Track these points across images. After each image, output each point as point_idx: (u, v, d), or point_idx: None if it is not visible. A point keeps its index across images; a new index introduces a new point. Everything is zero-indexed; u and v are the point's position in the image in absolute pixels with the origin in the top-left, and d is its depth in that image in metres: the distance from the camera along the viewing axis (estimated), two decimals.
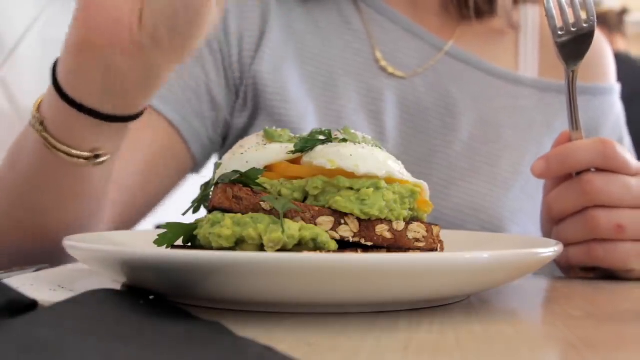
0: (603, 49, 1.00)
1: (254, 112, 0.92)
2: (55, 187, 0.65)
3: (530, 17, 1.00)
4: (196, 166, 0.94)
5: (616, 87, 1.00)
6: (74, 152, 0.62)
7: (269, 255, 0.41)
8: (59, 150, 0.62)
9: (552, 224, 0.70)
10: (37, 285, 0.52)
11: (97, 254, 0.48)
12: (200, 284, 0.44)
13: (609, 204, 0.65)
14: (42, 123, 0.62)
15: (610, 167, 0.66)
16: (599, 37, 1.01)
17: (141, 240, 0.60)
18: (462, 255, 0.44)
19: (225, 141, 0.95)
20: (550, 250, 0.50)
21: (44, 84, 1.02)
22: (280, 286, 0.43)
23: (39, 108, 0.63)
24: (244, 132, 0.92)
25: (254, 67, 0.91)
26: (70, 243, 0.50)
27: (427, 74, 0.94)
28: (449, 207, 0.87)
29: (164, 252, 0.44)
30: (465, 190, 0.88)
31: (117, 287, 0.49)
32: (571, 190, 0.67)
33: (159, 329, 0.37)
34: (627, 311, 0.52)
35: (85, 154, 0.62)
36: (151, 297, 0.45)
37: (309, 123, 0.88)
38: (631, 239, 0.65)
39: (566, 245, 0.65)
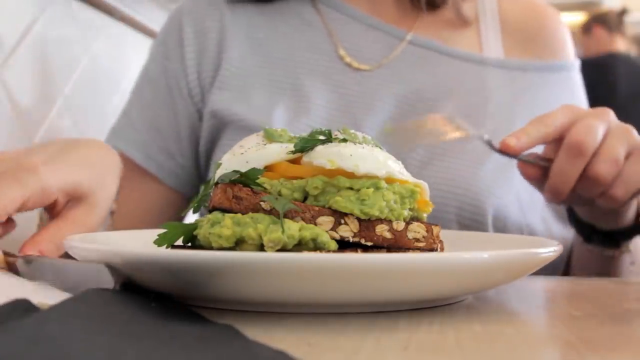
0: (557, 27, 1.02)
1: (220, 128, 0.92)
2: None
3: (488, 4, 1.01)
4: (182, 196, 0.96)
5: (575, 63, 1.02)
6: None
7: (269, 255, 0.41)
8: None
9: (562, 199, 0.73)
10: (37, 285, 0.52)
11: (97, 254, 0.48)
12: (200, 284, 0.44)
13: (594, 147, 0.68)
14: None
15: (580, 116, 0.70)
16: (553, 13, 1.03)
17: (141, 240, 0.60)
18: (462, 255, 0.44)
19: (198, 163, 0.97)
20: (550, 250, 0.50)
21: (44, 83, 1.02)
22: (280, 286, 0.43)
23: None
24: (211, 150, 0.94)
25: (216, 85, 0.93)
26: (70, 243, 0.50)
27: (393, 64, 0.95)
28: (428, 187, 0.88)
29: (164, 251, 0.44)
30: (441, 169, 0.88)
31: (117, 286, 0.49)
32: (563, 162, 0.70)
33: (170, 330, 0.37)
34: (627, 311, 0.52)
35: None
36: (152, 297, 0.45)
37: (277, 125, 0.89)
38: (626, 158, 0.70)
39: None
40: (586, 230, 0.80)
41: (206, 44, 0.95)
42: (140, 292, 0.47)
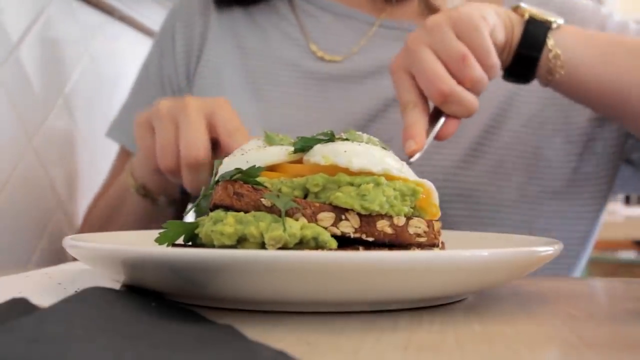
0: None
1: None
2: (147, 222, 0.90)
3: None
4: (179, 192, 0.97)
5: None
6: (165, 199, 0.89)
7: (269, 253, 0.41)
8: (158, 200, 0.88)
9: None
10: (38, 284, 0.52)
11: (98, 253, 0.48)
12: (200, 283, 0.44)
13: (444, 78, 0.69)
14: (144, 187, 0.87)
15: (409, 59, 0.71)
16: None
17: (140, 240, 0.60)
18: (462, 253, 0.44)
19: None
20: (550, 249, 0.50)
21: (43, 83, 1.02)
22: (282, 284, 0.43)
23: (132, 175, 0.88)
24: None
25: (197, 76, 0.97)
26: (71, 242, 0.50)
27: (365, 48, 0.96)
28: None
29: (165, 250, 0.44)
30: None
31: (117, 286, 0.49)
32: (450, 109, 0.71)
33: (170, 330, 0.37)
34: (627, 311, 0.52)
35: (171, 199, 0.89)
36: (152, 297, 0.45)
37: (248, 115, 0.91)
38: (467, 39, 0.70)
39: None
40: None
41: (193, 39, 0.99)
42: (141, 291, 0.47)
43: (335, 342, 0.38)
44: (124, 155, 1.03)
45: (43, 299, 0.41)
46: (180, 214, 0.96)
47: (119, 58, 1.25)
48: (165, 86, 1.00)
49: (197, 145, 0.71)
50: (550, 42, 0.75)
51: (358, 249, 0.49)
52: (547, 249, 0.50)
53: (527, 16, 0.75)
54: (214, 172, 0.56)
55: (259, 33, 0.99)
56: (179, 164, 0.73)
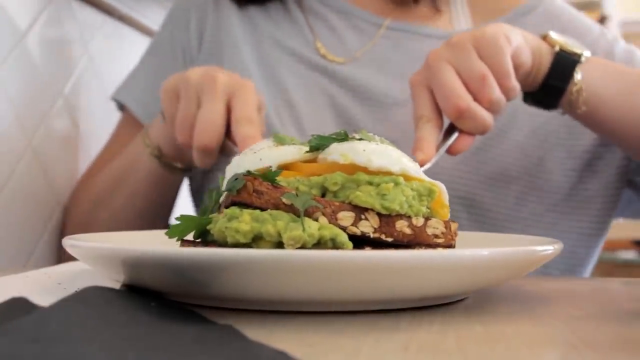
0: None
1: None
2: (157, 190, 0.92)
3: None
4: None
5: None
6: (179, 165, 0.88)
7: (269, 253, 0.41)
8: (171, 166, 0.88)
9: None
10: (37, 284, 0.52)
11: (98, 253, 0.48)
12: (201, 283, 0.44)
13: (465, 95, 0.69)
14: (159, 150, 0.87)
15: (428, 73, 0.71)
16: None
17: (140, 240, 0.60)
18: (462, 252, 0.44)
19: None
20: (550, 248, 0.50)
21: (43, 83, 1.02)
22: (282, 284, 0.42)
23: (147, 137, 0.88)
24: None
25: (212, 54, 0.98)
26: (71, 242, 0.50)
27: (369, 52, 0.97)
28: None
29: (165, 250, 0.44)
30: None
31: (117, 286, 0.49)
32: (466, 127, 0.71)
33: (170, 330, 0.37)
34: (627, 311, 0.52)
35: (185, 166, 0.88)
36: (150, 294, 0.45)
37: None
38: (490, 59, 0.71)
39: None
40: (546, 100, 0.79)
41: (206, 19, 1.00)
42: (141, 291, 0.47)
43: (336, 343, 0.38)
44: (127, 122, 1.01)
45: (43, 299, 0.41)
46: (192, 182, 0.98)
47: (119, 58, 1.25)
48: (177, 57, 1.00)
49: (209, 134, 0.72)
50: (577, 76, 0.76)
51: (363, 248, 0.49)
52: (547, 248, 0.50)
53: (557, 48, 0.76)
54: (220, 186, 0.55)
55: (272, 24, 1.00)
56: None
